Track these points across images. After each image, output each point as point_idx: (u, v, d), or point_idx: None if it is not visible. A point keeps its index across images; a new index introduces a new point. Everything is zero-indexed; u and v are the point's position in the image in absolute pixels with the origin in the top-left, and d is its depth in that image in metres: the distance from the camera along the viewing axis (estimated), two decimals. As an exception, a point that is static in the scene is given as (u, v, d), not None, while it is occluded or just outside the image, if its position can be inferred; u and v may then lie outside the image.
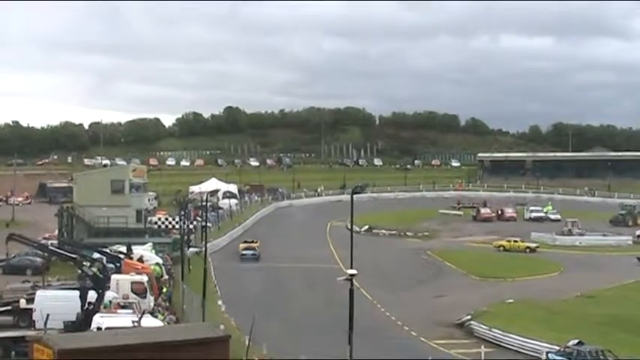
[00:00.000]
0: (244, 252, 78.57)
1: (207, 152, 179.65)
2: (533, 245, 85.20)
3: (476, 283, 67.43)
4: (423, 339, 47.86)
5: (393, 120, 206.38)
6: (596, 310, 54.20)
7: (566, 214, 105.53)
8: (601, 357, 39.55)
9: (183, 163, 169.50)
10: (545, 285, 65.53)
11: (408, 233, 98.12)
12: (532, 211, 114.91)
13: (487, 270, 71.46)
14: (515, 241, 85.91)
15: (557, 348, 41.00)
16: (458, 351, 44.20)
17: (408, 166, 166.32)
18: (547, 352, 35.79)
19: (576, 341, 40.68)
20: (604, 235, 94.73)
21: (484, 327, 48.89)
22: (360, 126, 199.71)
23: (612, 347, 40.38)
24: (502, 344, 45.91)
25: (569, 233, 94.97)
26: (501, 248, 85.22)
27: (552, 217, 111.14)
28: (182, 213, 71.77)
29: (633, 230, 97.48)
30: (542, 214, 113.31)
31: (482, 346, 37.50)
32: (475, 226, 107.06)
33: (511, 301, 57.56)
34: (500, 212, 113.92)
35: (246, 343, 31.70)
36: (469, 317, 51.65)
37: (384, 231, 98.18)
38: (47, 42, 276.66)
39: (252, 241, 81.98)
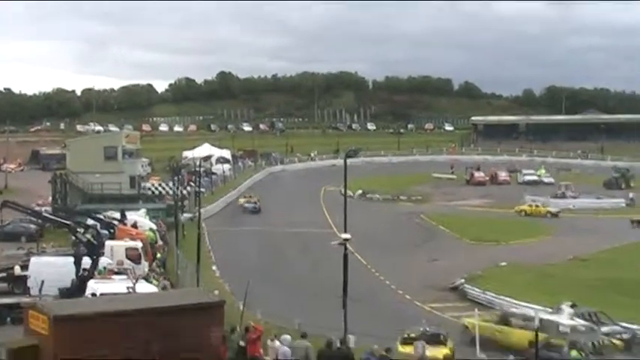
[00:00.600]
0: (246, 205, 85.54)
1: (200, 118, 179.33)
2: (554, 210, 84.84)
3: (469, 247, 67.60)
4: (417, 302, 48.09)
5: (387, 84, 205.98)
6: (589, 273, 54.42)
7: (559, 178, 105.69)
8: (594, 319, 39.72)
9: (177, 128, 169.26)
10: (538, 248, 65.75)
11: (401, 197, 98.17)
12: (526, 174, 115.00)
13: (480, 233, 71.59)
14: (537, 206, 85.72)
15: (550, 310, 41.14)
16: (452, 314, 44.41)
17: (402, 131, 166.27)
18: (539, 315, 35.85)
19: (569, 303, 40.84)
20: (597, 198, 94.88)
21: (477, 290, 49.15)
22: (353, 90, 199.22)
23: (605, 309, 40.53)
24: (495, 307, 46.09)
25: (563, 196, 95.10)
26: (523, 213, 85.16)
27: (546, 180, 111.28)
28: (175, 179, 71.73)
29: (626, 193, 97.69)
30: (535, 178, 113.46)
31: (476, 309, 37.63)
32: (468, 189, 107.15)
33: (504, 264, 57.76)
34: (493, 176, 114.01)
35: (241, 308, 31.77)
36: (463, 281, 51.88)
37: (377, 195, 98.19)
38: (39, 8, 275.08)
39: (251, 196, 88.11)
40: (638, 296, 45.73)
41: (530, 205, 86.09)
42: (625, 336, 37.54)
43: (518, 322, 36.59)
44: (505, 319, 37.65)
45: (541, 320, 33.35)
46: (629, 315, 40.86)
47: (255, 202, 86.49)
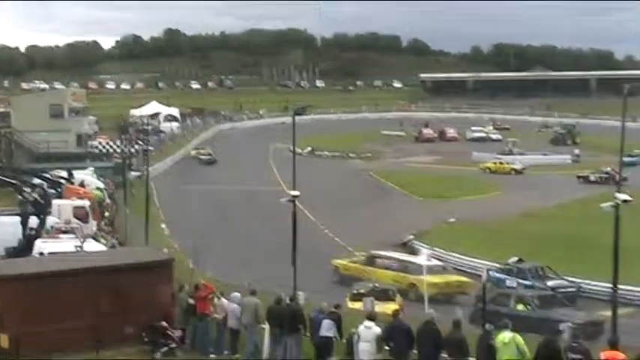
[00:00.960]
0: (201, 157, 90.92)
1: (148, 75, 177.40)
2: (519, 167, 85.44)
3: (418, 203, 68.02)
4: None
5: (335, 41, 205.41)
6: (536, 228, 55.07)
7: (507, 134, 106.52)
8: (540, 273, 40.27)
9: (124, 86, 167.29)
10: (486, 204, 66.34)
11: (350, 155, 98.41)
12: (474, 131, 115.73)
13: (430, 190, 72.04)
14: (502, 163, 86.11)
15: (498, 266, 41.63)
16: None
17: (351, 88, 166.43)
18: (488, 270, 36.33)
19: (516, 259, 41.34)
20: (544, 155, 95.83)
21: (426, 246, 49.39)
22: (301, 48, 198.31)
23: (551, 264, 41.13)
24: (444, 263, 46.49)
25: (510, 153, 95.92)
26: (487, 170, 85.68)
27: (493, 137, 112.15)
28: (123, 137, 71.07)
29: (572, 149, 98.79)
30: (483, 134, 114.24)
31: (424, 252, 38.02)
32: (417, 146, 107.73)
33: (453, 220, 58.23)
34: (442, 133, 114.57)
35: (190, 266, 31.69)
36: (411, 237, 52.19)
37: (326, 153, 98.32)
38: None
39: (204, 148, 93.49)
40: (583, 251, 46.32)
41: (495, 163, 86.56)
42: (570, 289, 38.21)
43: (383, 263, 41.54)
44: (371, 261, 42.10)
45: (402, 261, 41.10)
46: (572, 267, 41.47)
47: (210, 154, 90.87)
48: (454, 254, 46.83)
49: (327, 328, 22.21)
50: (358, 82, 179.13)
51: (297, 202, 32.59)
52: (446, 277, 39.95)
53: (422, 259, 39.14)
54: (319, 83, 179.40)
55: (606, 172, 74.59)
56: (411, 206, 66.60)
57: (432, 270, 38.44)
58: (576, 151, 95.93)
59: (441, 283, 38.61)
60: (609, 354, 17.35)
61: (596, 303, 36.37)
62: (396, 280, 39.48)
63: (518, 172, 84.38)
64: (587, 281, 39.21)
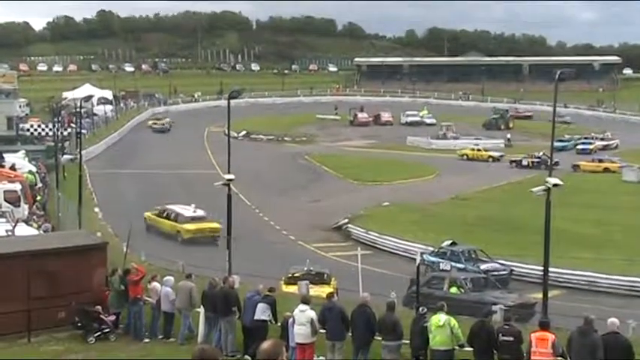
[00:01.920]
0: (154, 126, 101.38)
1: (81, 57, 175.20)
2: (496, 155, 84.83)
3: (353, 187, 68.24)
4: (301, 242, 48.41)
5: (270, 24, 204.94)
6: (469, 212, 55.66)
7: (441, 118, 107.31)
8: (473, 256, 40.71)
9: (56, 68, 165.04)
10: (420, 188, 66.83)
11: (285, 138, 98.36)
12: (408, 115, 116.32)
13: (364, 174, 72.32)
14: (479, 150, 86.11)
15: (432, 249, 41.99)
16: (335, 254, 44.85)
17: (286, 71, 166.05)
18: (421, 253, 36.67)
19: (450, 242, 41.73)
20: (477, 139, 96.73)
21: (361, 230, 49.68)
22: (236, 30, 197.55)
23: (483, 246, 41.59)
24: (378, 246, 46.80)
25: (444, 137, 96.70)
26: (465, 157, 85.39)
27: (428, 121, 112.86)
28: (55, 120, 70.17)
29: (505, 133, 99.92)
30: (418, 119, 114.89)
31: (359, 248, 38.10)
32: (352, 130, 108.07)
33: (387, 204, 58.54)
34: (376, 117, 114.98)
35: (124, 250, 31.45)
36: (346, 220, 52.35)
37: (261, 136, 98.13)
38: None
39: (158, 119, 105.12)
40: (515, 234, 46.95)
41: (472, 149, 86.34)
42: (502, 272, 38.69)
43: (166, 213, 48.78)
44: (161, 212, 49.36)
45: (175, 212, 48.86)
46: (504, 249, 42.01)
47: (164, 123, 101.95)
48: (388, 237, 47.11)
49: (261, 312, 22.22)
50: (293, 66, 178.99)
51: (231, 186, 32.51)
52: (201, 225, 47.12)
53: (188, 210, 48.67)
54: (254, 66, 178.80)
55: (538, 157, 75.59)
56: (346, 190, 66.78)
57: (193, 219, 47.62)
58: (508, 136, 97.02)
59: (195, 229, 46.66)
60: (540, 335, 17.62)
61: (528, 285, 36.90)
62: (170, 227, 47.97)
63: (495, 159, 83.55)
64: (518, 264, 39.71)
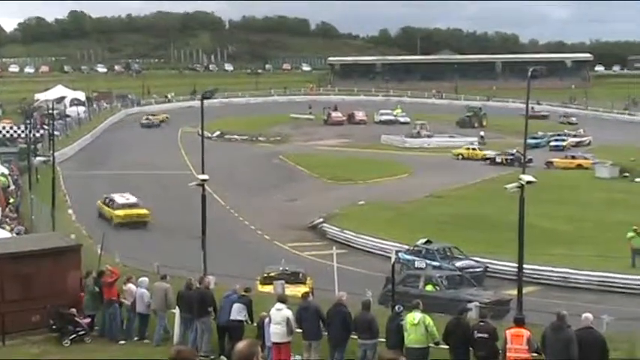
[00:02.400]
0: (145, 121, 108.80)
1: (53, 58, 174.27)
2: (491, 154, 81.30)
3: (328, 186, 68.26)
4: (276, 242, 48.39)
5: (243, 24, 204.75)
6: (444, 210, 55.78)
7: (415, 117, 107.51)
8: (448, 253, 40.82)
9: (27, 69, 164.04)
10: (395, 186, 66.96)
11: (260, 138, 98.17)
12: (382, 114, 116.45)
13: (339, 173, 72.34)
14: (474, 149, 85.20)
15: (407, 247, 42.07)
16: (311, 253, 44.87)
17: (259, 71, 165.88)
18: (397, 252, 36.79)
19: (425, 240, 41.82)
20: (451, 137, 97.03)
21: (336, 229, 49.72)
22: (209, 30, 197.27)
23: (458, 244, 41.73)
24: (354, 245, 46.84)
25: (418, 135, 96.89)
26: (460, 156, 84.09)
27: (402, 119, 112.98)
28: (28, 121, 69.78)
29: (479, 131, 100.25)
30: (391, 117, 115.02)
31: (334, 247, 38.13)
32: (326, 129, 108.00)
33: (362, 202, 58.60)
34: (351, 116, 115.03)
35: (98, 252, 31.33)
36: (321, 220, 52.38)
37: (236, 136, 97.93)
38: None
39: (154, 114, 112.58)
40: (490, 231, 47.13)
41: (468, 149, 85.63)
42: (477, 269, 38.82)
43: (111, 203, 52.98)
44: (107, 202, 53.52)
45: (113, 200, 53.01)
46: (479, 247, 42.17)
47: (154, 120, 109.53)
48: (363, 236, 47.17)
49: (237, 312, 22.19)
50: (267, 66, 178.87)
51: (206, 186, 32.46)
52: (130, 211, 52.07)
53: (122, 198, 53.54)
54: (228, 66, 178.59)
55: (512, 154, 75.86)
56: (321, 189, 66.81)
57: (124, 206, 52.49)
58: (481, 133, 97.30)
59: (124, 215, 51.48)
60: (515, 332, 17.71)
61: (503, 282, 37.04)
62: (108, 212, 52.78)
63: (490, 159, 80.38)
64: (493, 261, 39.86)
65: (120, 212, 51.78)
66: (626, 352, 18.20)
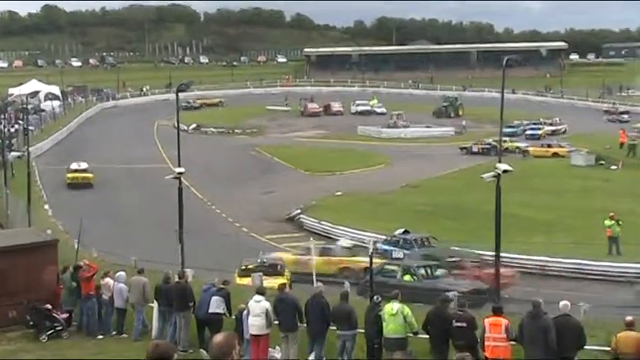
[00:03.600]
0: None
1: (26, 53, 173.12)
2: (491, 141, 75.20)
3: (305, 178, 68.23)
4: (254, 234, 48.32)
5: (218, 16, 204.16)
6: (421, 199, 55.89)
7: (391, 107, 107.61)
8: (426, 243, 40.88)
9: (0, 64, 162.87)
10: (372, 177, 67.03)
11: (236, 130, 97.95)
12: (358, 104, 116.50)
13: (315, 164, 72.32)
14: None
15: (385, 237, 42.09)
16: (289, 244, 44.78)
17: (235, 63, 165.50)
18: (374, 242, 36.77)
19: (402, 230, 41.86)
20: (427, 127, 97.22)
21: (314, 220, 49.71)
22: (184, 23, 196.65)
23: (436, 233, 41.83)
24: (331, 236, 46.81)
25: (395, 126, 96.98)
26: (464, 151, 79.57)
27: (378, 110, 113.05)
28: (2, 116, 69.31)
29: (455, 121, 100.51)
30: (368, 108, 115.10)
31: (311, 239, 38.13)
32: (303, 121, 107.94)
33: (340, 193, 58.63)
34: (327, 107, 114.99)
35: (75, 246, 31.17)
36: (299, 211, 52.35)
37: (212, 129, 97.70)
38: None
39: None
40: (466, 220, 47.26)
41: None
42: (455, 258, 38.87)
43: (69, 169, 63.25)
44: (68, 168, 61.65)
45: None
46: (456, 236, 42.25)
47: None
48: (341, 227, 47.16)
49: (216, 305, 22.14)
50: (242, 58, 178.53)
51: (183, 179, 32.37)
52: (77, 174, 63.40)
53: (75, 164, 65.22)
54: (203, 59, 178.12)
55: (488, 143, 76.06)
56: (298, 180, 66.76)
57: (75, 170, 64.03)
58: (463, 122, 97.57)
59: (72, 177, 63.21)
60: (493, 320, 17.76)
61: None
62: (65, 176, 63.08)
63: (467, 149, 78.15)
64: (472, 250, 39.92)
65: (70, 175, 63.54)
66: (603, 339, 18.28)
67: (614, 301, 29.75)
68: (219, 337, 7.03)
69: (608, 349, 17.30)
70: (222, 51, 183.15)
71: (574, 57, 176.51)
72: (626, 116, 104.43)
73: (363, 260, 35.43)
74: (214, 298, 22.20)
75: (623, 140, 77.35)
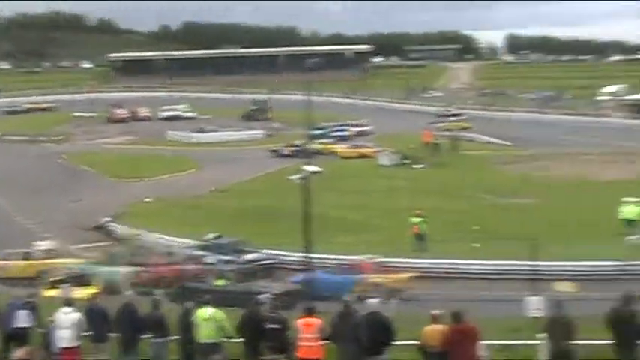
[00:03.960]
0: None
1: None
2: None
3: (113, 185, 67.09)
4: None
5: (17, 21, 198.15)
6: (232, 203, 55.93)
7: (200, 112, 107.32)
8: (238, 248, 40.93)
9: None
10: (182, 182, 66.67)
11: (40, 138, 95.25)
12: (165, 110, 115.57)
13: (123, 171, 71.27)
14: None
15: (197, 243, 41.90)
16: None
17: (37, 69, 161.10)
18: (185, 248, 36.64)
19: (213, 235, 41.78)
20: (237, 131, 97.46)
21: (122, 227, 48.95)
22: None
23: (247, 237, 41.95)
24: (142, 242, 46.16)
25: (204, 130, 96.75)
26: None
27: (186, 115, 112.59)
28: None
29: (265, 124, 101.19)
30: (176, 113, 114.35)
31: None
32: (110, 127, 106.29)
33: (150, 199, 58.02)
34: (134, 113, 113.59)
35: None
36: (108, 219, 51.44)
37: (14, 137, 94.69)
38: None
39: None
40: (278, 222, 47.53)
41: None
42: (267, 261, 39.17)
43: None
44: None
45: None
46: (267, 240, 42.52)
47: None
48: (152, 233, 46.59)
49: (23, 319, 21.40)
50: (45, 63, 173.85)
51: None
52: None
53: None
54: (2, 65, 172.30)
55: (297, 146, 76.86)
56: (107, 188, 65.54)
57: None
58: (274, 125, 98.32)
59: None
60: (305, 321, 17.93)
61: (293, 272, 37.45)
62: None
63: (277, 152, 79.84)
64: (283, 252, 40.27)
65: None
66: (410, 332, 18.82)
67: (420, 296, 30.72)
68: (19, 352, 6.81)
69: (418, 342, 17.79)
70: (22, 56, 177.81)
71: (378, 59, 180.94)
72: (454, 118, 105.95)
73: (65, 262, 38.56)
74: (21, 312, 21.43)
75: (427, 140, 79.87)
